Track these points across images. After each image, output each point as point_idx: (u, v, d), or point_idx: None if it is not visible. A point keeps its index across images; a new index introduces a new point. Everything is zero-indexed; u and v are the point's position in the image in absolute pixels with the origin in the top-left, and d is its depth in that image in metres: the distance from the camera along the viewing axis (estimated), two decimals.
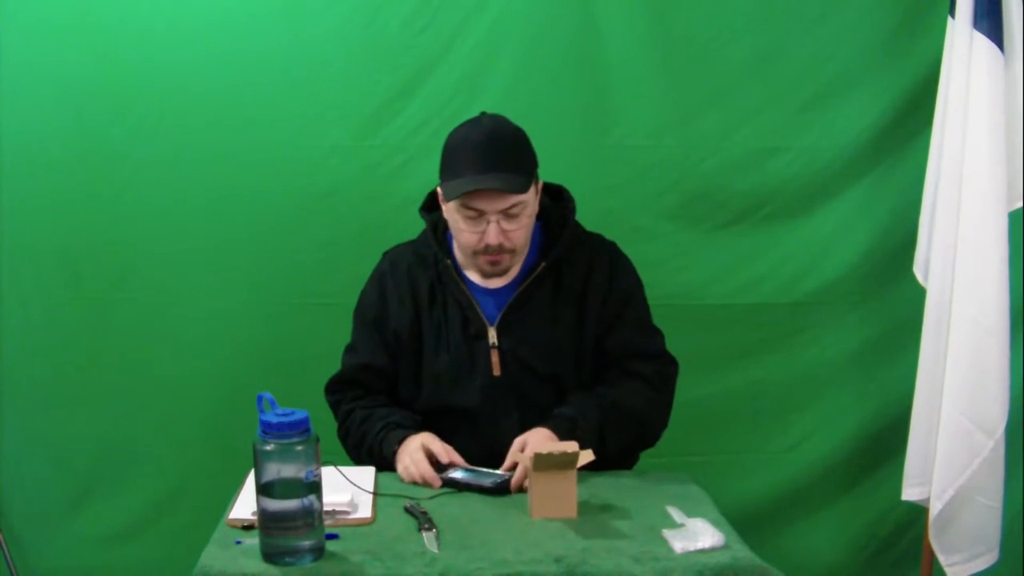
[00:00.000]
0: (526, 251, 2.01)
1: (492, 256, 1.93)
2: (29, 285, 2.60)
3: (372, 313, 2.06)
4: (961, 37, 2.21)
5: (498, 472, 1.85)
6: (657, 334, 2.08)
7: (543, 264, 1.99)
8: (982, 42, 2.18)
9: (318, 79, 2.51)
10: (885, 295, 2.62)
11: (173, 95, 2.52)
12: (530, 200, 1.92)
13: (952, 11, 2.25)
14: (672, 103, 2.55)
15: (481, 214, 1.89)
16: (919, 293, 2.37)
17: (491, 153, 1.88)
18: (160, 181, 2.55)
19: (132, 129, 2.53)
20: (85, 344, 2.61)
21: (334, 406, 2.10)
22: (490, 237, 1.90)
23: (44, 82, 2.51)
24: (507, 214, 1.89)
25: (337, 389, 2.09)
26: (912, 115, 2.53)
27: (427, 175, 2.52)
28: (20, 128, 2.54)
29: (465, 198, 1.88)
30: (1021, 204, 2.25)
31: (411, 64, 2.52)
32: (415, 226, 2.38)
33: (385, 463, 1.95)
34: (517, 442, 1.86)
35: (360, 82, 2.52)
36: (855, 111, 2.55)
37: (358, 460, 2.03)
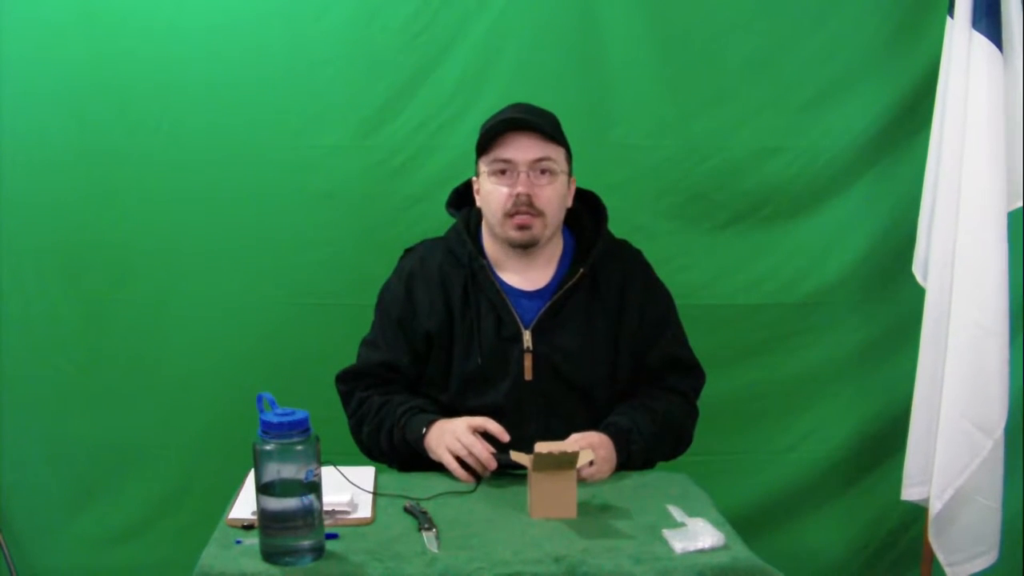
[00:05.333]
0: (556, 227, 2.02)
1: (522, 217, 1.93)
2: (29, 285, 2.60)
3: (397, 312, 2.03)
4: (960, 37, 2.21)
5: None
6: (689, 347, 2.11)
7: (581, 271, 1.99)
8: (981, 42, 2.18)
9: (318, 79, 2.51)
10: (885, 295, 2.62)
11: (173, 95, 2.52)
12: (560, 162, 1.96)
13: (951, 11, 2.25)
14: (672, 103, 2.55)
15: (512, 167, 1.92)
16: (919, 293, 2.37)
17: (523, 109, 1.97)
18: (160, 181, 2.55)
19: (132, 129, 2.53)
20: (85, 344, 2.61)
21: (345, 395, 2.06)
22: (520, 185, 1.91)
23: (44, 81, 2.51)
24: (538, 168, 1.92)
25: (350, 379, 2.06)
26: (911, 115, 2.53)
27: (428, 175, 2.54)
28: (20, 127, 2.54)
29: (496, 150, 1.92)
30: (1021, 204, 2.25)
31: (411, 64, 2.52)
32: (416, 226, 2.38)
33: (407, 448, 1.94)
34: (573, 438, 1.85)
35: (360, 82, 2.52)
36: (855, 111, 2.55)
37: (375, 447, 2.00)
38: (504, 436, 1.85)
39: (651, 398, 2.02)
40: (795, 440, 2.68)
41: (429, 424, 1.92)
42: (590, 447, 1.84)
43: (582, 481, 1.80)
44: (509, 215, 1.94)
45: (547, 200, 1.94)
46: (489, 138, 1.94)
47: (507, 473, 1.82)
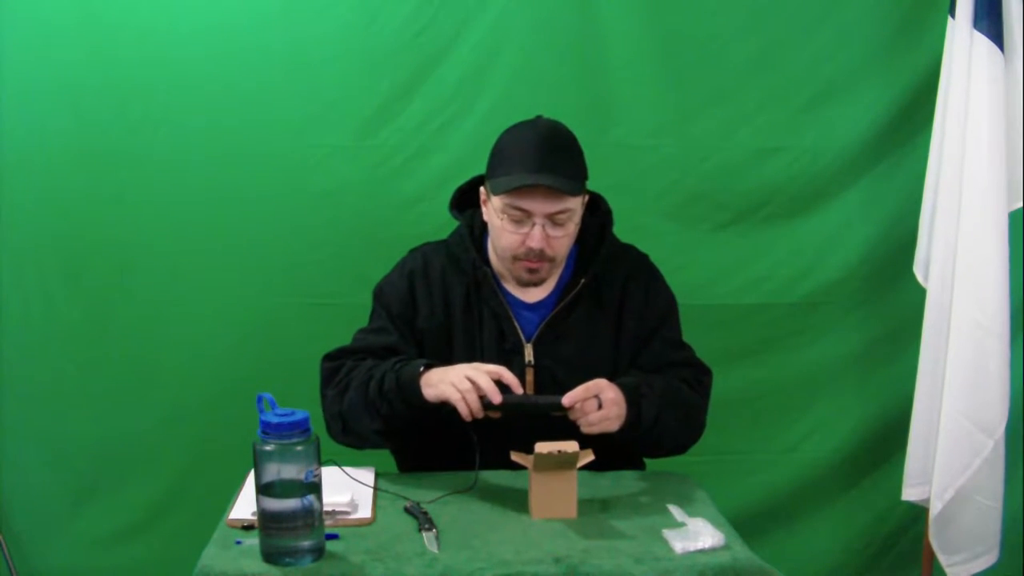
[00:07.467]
0: (564, 262, 1.99)
1: (531, 262, 1.90)
2: (30, 284, 2.60)
3: (399, 308, 1.98)
4: (961, 37, 2.21)
5: (550, 396, 1.79)
6: (688, 348, 2.06)
7: (583, 281, 1.96)
8: (982, 42, 2.18)
9: (318, 79, 2.51)
10: (885, 295, 2.62)
11: (173, 95, 2.52)
12: (577, 209, 1.90)
13: (952, 11, 2.25)
14: (672, 103, 2.55)
15: (528, 216, 1.85)
16: (919, 293, 2.37)
17: (547, 153, 1.85)
18: (160, 180, 2.55)
19: (132, 128, 2.53)
20: (85, 343, 2.61)
21: (331, 371, 1.94)
22: (534, 241, 1.86)
23: (44, 82, 2.51)
24: (554, 220, 1.86)
25: (341, 356, 1.97)
26: (912, 115, 2.53)
27: (428, 175, 2.54)
28: (20, 128, 2.53)
29: (514, 198, 1.84)
30: (1021, 204, 2.25)
31: (411, 64, 2.52)
32: (416, 226, 2.38)
33: (397, 395, 1.82)
34: (580, 388, 1.76)
35: (360, 82, 2.52)
36: (855, 111, 2.56)
37: (357, 404, 1.87)
38: (518, 388, 1.78)
39: (654, 375, 1.96)
40: (795, 440, 2.69)
41: (429, 366, 1.84)
42: (597, 388, 1.78)
43: (589, 427, 1.76)
44: (518, 258, 1.91)
45: (560, 248, 1.90)
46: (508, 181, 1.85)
47: (507, 467, 1.78)
